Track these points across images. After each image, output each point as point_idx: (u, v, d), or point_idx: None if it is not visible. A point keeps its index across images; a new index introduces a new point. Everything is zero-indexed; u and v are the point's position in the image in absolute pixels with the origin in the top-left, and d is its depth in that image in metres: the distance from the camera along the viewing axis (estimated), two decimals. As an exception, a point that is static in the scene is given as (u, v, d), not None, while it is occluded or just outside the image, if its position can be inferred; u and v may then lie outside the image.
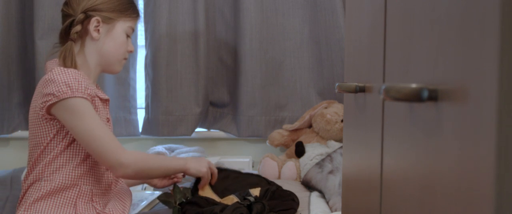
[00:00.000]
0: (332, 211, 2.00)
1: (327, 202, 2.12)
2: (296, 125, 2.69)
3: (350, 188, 1.12)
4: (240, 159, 2.87)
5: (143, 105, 2.73)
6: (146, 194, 2.06)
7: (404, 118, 0.69)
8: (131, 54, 2.75)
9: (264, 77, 2.73)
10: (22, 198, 1.54)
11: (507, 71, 0.41)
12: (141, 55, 2.77)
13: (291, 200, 1.74)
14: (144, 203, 1.90)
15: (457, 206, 0.50)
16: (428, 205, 0.59)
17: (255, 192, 1.68)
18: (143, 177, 1.61)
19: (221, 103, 2.84)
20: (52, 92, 1.43)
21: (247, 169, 2.85)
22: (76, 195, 1.50)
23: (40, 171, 1.50)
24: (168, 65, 2.67)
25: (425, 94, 0.55)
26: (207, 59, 2.73)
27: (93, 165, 1.53)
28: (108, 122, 1.58)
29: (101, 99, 1.56)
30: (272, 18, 2.70)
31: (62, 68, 1.47)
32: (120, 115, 2.64)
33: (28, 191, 1.51)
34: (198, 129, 2.89)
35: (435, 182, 0.56)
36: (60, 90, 1.42)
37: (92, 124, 1.43)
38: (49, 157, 1.50)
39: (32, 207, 1.47)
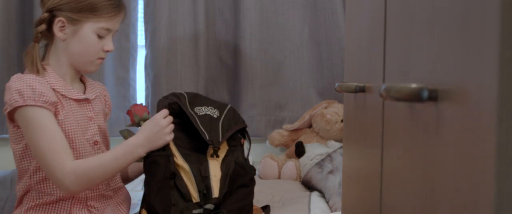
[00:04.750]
0: (332, 211, 2.00)
1: (327, 202, 2.12)
2: (296, 125, 2.69)
3: (350, 188, 1.12)
4: (240, 159, 2.87)
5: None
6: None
7: (404, 118, 0.69)
8: (131, 54, 2.75)
9: (264, 77, 2.73)
10: (18, 206, 1.50)
11: (507, 71, 0.41)
12: (141, 55, 2.77)
13: (249, 181, 1.61)
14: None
15: (457, 206, 0.50)
16: (428, 205, 0.59)
17: (215, 169, 1.54)
18: (95, 185, 1.46)
19: (221, 103, 2.84)
20: (6, 100, 1.38)
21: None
22: (70, 203, 1.45)
23: (28, 181, 1.45)
24: (168, 65, 2.67)
25: (425, 94, 0.55)
26: (207, 59, 2.73)
27: None
28: (91, 120, 1.50)
29: (75, 100, 1.47)
30: (272, 18, 2.70)
31: (19, 74, 1.41)
32: (120, 115, 2.64)
33: (23, 200, 1.47)
34: (198, 129, 2.89)
35: (435, 182, 0.56)
36: (12, 98, 1.35)
37: (38, 137, 1.35)
38: (32, 165, 1.44)
39: None
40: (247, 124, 2.80)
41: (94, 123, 1.51)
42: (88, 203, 1.47)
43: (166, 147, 1.49)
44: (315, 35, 2.74)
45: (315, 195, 2.19)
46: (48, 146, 1.35)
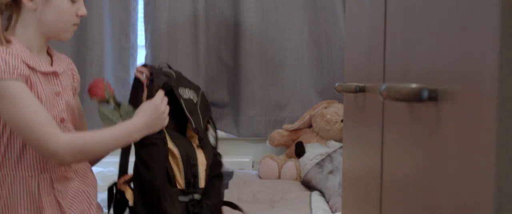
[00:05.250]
0: (332, 211, 2.00)
1: (327, 202, 2.12)
2: (296, 125, 2.69)
3: (350, 188, 1.12)
4: (240, 159, 2.87)
5: (143, 105, 2.73)
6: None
7: (404, 118, 0.69)
8: (131, 54, 2.75)
9: (264, 77, 2.74)
10: None
11: (507, 71, 0.41)
12: (141, 55, 2.77)
13: (221, 171, 1.60)
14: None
15: (457, 206, 0.50)
16: (428, 205, 0.59)
17: (202, 158, 1.52)
18: (88, 160, 1.40)
19: (221, 103, 2.84)
20: None
21: (247, 169, 2.85)
22: (35, 187, 1.34)
23: None
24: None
25: (425, 94, 0.55)
26: (207, 59, 2.73)
27: None
28: (58, 96, 1.41)
29: (43, 73, 1.37)
30: (272, 18, 2.70)
31: None
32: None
33: None
34: (198, 129, 2.89)
35: (435, 181, 0.56)
36: None
37: (20, 110, 1.27)
38: None
39: None
40: (247, 123, 2.81)
41: (61, 99, 1.42)
42: (53, 186, 1.38)
43: (161, 130, 1.47)
44: (315, 35, 2.74)
45: (315, 195, 2.19)
46: (34, 119, 1.28)
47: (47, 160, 1.36)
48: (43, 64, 1.38)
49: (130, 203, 1.45)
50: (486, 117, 0.44)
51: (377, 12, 0.86)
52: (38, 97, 1.34)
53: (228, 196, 2.20)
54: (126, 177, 1.48)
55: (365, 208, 0.94)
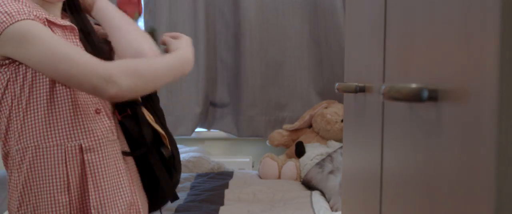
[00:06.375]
0: (332, 211, 2.00)
1: (328, 202, 2.12)
2: (296, 125, 2.69)
3: (350, 188, 1.12)
4: (240, 159, 2.87)
5: (143, 105, 2.73)
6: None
7: (404, 118, 0.69)
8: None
9: (264, 77, 2.73)
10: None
11: (507, 71, 0.41)
12: (141, 55, 2.77)
13: None
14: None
15: (457, 205, 0.50)
16: (428, 204, 0.59)
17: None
18: (144, 88, 1.22)
19: (221, 103, 2.85)
20: None
21: (247, 169, 2.85)
22: (62, 159, 1.16)
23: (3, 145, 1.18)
24: (168, 65, 2.67)
25: (425, 94, 0.55)
26: (207, 59, 2.73)
27: (65, 104, 1.16)
28: None
29: (58, 25, 1.20)
30: (272, 18, 2.70)
31: None
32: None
33: (11, 177, 1.20)
34: (198, 129, 2.89)
35: (435, 181, 0.56)
36: None
37: (53, 43, 1.10)
38: (3, 121, 1.17)
39: (15, 195, 1.17)
40: (247, 123, 2.81)
41: None
42: (84, 156, 1.18)
43: None
44: (315, 35, 2.74)
45: (316, 195, 2.19)
46: (72, 49, 1.12)
47: (101, 96, 1.16)
48: (57, 18, 1.23)
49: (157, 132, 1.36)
50: (486, 117, 0.44)
51: (377, 12, 0.86)
52: None
53: (228, 195, 2.20)
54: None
55: (365, 208, 0.94)
